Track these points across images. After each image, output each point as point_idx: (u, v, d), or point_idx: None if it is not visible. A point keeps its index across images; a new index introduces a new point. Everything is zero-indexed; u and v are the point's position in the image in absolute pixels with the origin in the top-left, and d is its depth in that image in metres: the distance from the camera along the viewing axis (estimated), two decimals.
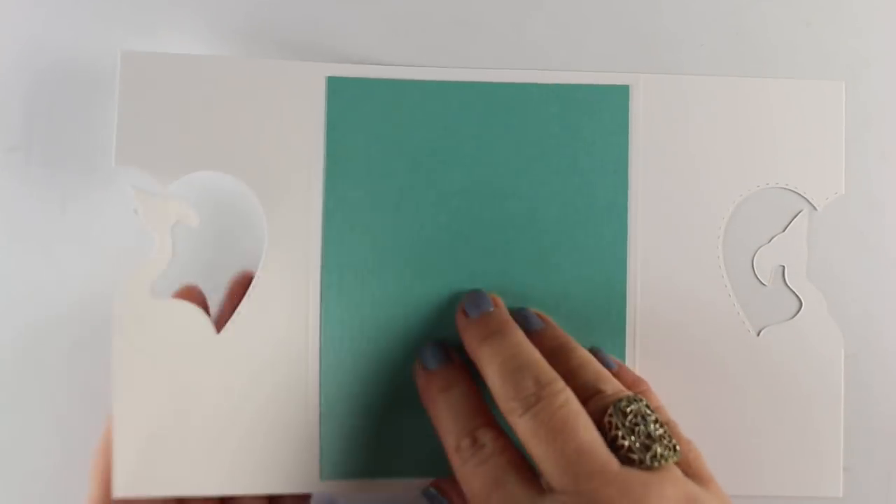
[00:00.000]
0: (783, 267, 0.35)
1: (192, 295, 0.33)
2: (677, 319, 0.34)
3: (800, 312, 0.35)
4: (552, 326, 0.32)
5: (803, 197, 0.35)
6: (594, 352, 0.33)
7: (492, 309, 0.32)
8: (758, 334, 0.34)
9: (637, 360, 0.34)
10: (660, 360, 0.34)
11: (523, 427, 0.27)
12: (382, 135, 0.33)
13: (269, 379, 0.32)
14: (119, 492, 0.31)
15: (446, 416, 0.30)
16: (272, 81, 0.33)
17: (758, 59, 0.36)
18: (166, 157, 0.32)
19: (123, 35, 0.34)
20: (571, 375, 0.29)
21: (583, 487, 0.25)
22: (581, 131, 0.34)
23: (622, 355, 0.34)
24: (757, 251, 0.35)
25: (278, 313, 0.33)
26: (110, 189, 0.34)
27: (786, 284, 0.35)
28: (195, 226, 0.33)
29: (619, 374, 0.32)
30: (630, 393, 0.28)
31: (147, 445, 0.31)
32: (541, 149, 0.34)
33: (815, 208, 0.35)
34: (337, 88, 0.33)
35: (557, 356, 0.30)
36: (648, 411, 0.28)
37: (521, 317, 0.32)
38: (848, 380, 0.34)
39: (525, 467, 0.27)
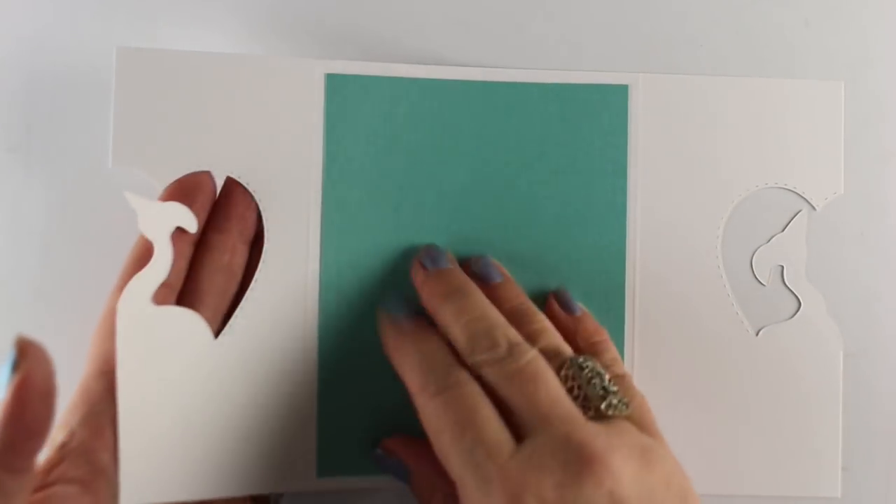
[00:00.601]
0: (782, 267, 0.35)
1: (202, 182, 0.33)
2: (676, 319, 0.34)
3: (798, 312, 0.35)
4: (510, 282, 0.33)
5: (802, 197, 0.35)
6: (560, 294, 0.33)
7: (448, 266, 0.32)
8: (756, 334, 0.34)
9: (635, 359, 0.34)
10: (658, 359, 0.34)
11: (495, 375, 0.28)
12: (381, 133, 0.33)
13: (267, 379, 0.32)
14: (126, 500, 0.30)
15: (419, 364, 0.30)
16: (270, 79, 0.33)
17: (757, 58, 0.36)
18: (163, 156, 0.32)
19: (123, 35, 0.34)
20: (533, 340, 0.30)
21: (557, 431, 0.26)
22: (580, 131, 0.34)
23: (620, 354, 0.33)
24: (756, 251, 0.35)
25: (277, 313, 0.33)
26: (110, 189, 0.34)
27: (784, 284, 0.35)
28: (193, 230, 0.32)
29: (582, 319, 0.33)
30: (585, 355, 0.30)
31: (152, 452, 0.31)
32: (540, 148, 0.34)
33: (814, 208, 0.35)
34: (336, 86, 0.33)
35: (519, 319, 0.31)
36: (601, 370, 0.29)
37: (482, 265, 0.33)
38: (848, 380, 0.34)
39: (496, 412, 0.28)
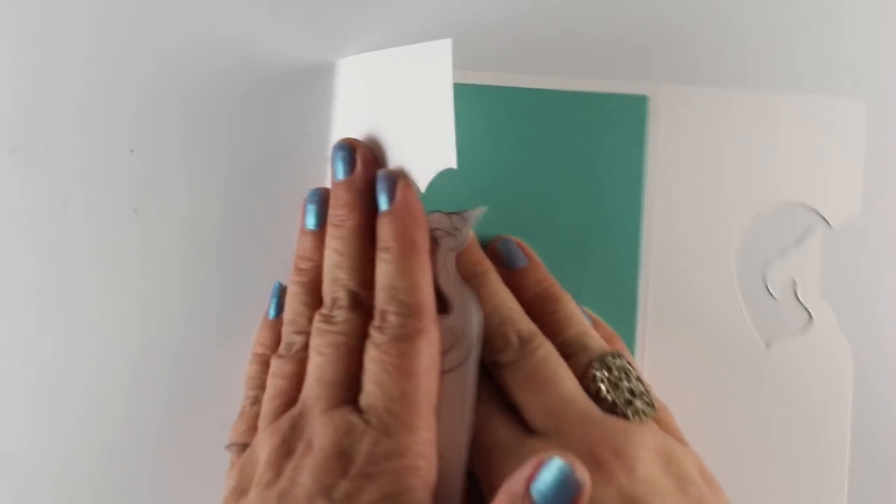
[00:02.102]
0: (795, 281, 0.35)
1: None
2: (688, 330, 0.35)
3: (810, 327, 0.35)
4: (536, 266, 0.33)
5: (818, 213, 0.35)
6: None
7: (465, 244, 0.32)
8: (768, 347, 0.35)
9: (647, 369, 0.34)
10: (670, 369, 0.34)
11: (508, 378, 0.29)
12: None
13: None
14: None
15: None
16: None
17: (758, 59, 0.35)
18: None
19: (123, 34, 0.34)
20: (558, 328, 0.30)
21: (567, 431, 0.27)
22: (599, 139, 0.34)
23: None
24: (769, 265, 0.35)
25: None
26: (110, 189, 0.34)
27: (797, 299, 0.35)
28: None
29: (596, 329, 0.32)
30: (612, 350, 0.30)
31: None
32: (558, 155, 0.34)
33: (829, 225, 0.35)
34: None
35: (544, 306, 0.31)
36: (630, 367, 0.29)
37: (505, 249, 0.33)
38: None
39: (508, 410, 0.28)
